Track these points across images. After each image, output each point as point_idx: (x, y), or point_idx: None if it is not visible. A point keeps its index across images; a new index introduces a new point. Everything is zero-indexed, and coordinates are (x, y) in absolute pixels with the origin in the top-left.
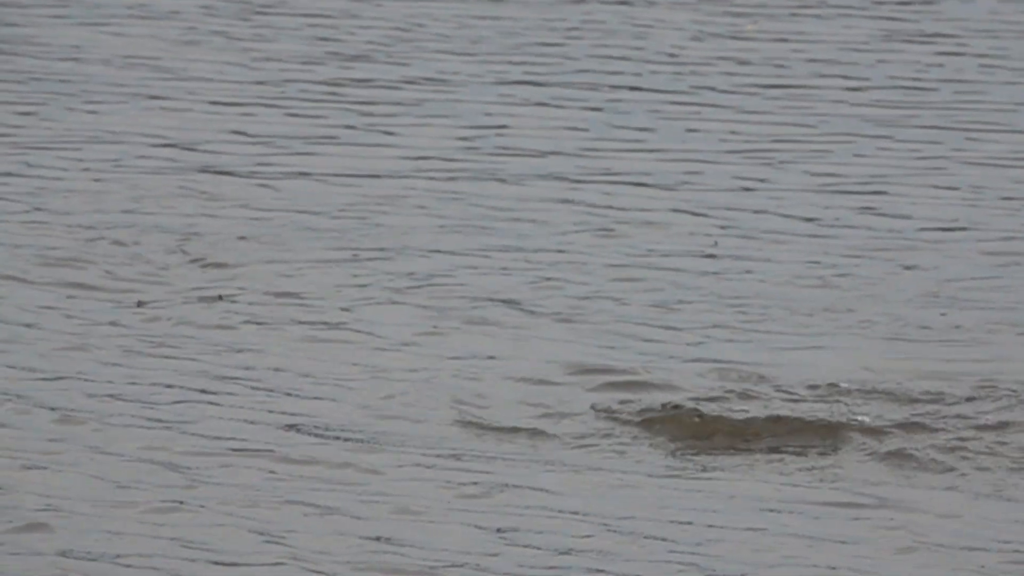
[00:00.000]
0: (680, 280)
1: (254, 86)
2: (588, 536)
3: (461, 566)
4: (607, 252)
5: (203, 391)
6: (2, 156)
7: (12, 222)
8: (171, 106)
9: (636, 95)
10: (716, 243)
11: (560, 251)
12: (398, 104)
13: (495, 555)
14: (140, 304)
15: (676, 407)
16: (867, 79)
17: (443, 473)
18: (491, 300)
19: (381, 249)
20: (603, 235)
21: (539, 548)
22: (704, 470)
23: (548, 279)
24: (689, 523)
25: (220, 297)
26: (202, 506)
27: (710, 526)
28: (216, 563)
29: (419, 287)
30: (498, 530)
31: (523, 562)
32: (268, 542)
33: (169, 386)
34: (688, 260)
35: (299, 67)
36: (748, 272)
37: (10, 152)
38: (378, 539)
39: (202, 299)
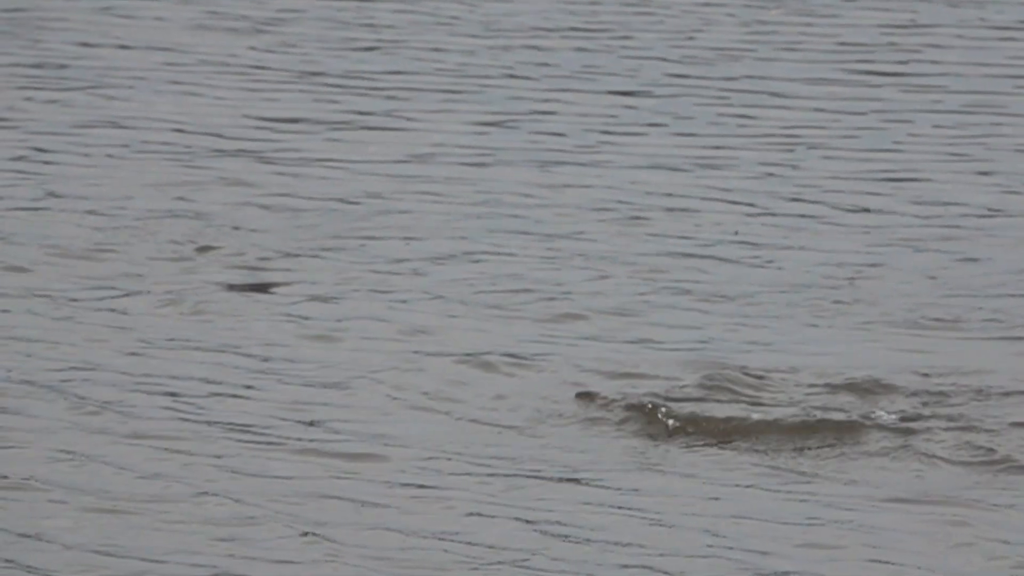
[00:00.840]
0: (703, 267)
1: (273, 71)
2: (631, 531)
3: (504, 563)
4: (630, 239)
5: (223, 382)
6: (14, 141)
7: (27, 210)
8: (188, 90)
9: (665, 80)
10: (737, 232)
11: (581, 237)
12: (420, 90)
13: (538, 551)
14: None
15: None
16: (901, 63)
17: (476, 467)
18: (513, 290)
19: (404, 238)
20: (627, 222)
21: (585, 542)
22: (727, 469)
23: (571, 267)
24: (736, 518)
25: (234, 286)
26: (237, 500)
27: (743, 518)
28: (254, 558)
29: (443, 276)
30: (538, 523)
31: (564, 556)
32: (306, 536)
33: (190, 378)
34: (713, 248)
35: (319, 51)
36: (770, 261)
37: (21, 137)
38: (418, 534)
39: (220, 288)
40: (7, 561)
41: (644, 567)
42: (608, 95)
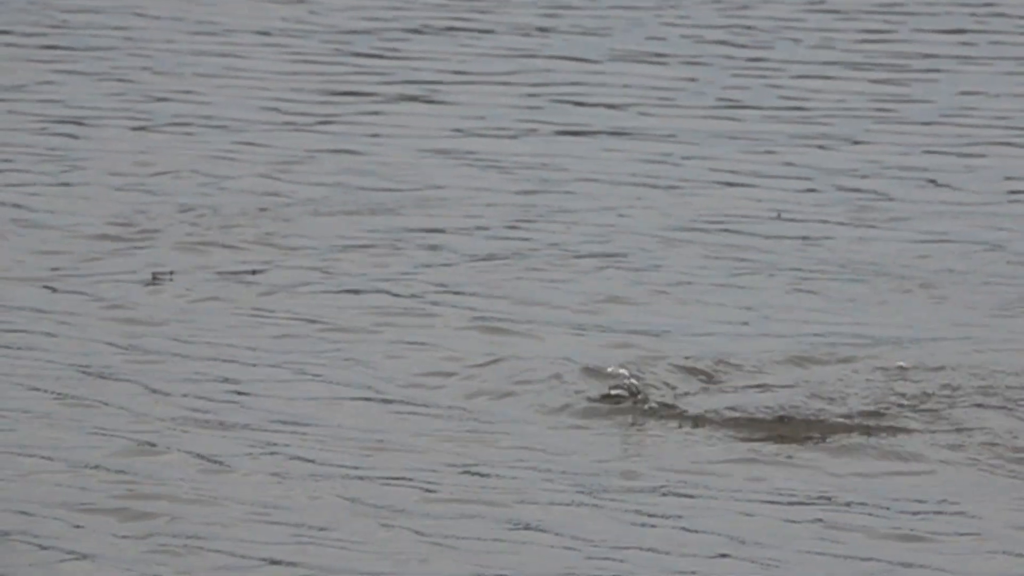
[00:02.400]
0: (742, 243)
1: (303, 52)
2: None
3: (598, 559)
4: (669, 213)
5: (242, 375)
6: (39, 116)
7: (46, 195)
8: (208, 72)
9: (716, 53)
10: (779, 215)
11: (614, 210)
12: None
13: (632, 547)
14: (255, 273)
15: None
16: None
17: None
18: (548, 267)
19: (438, 217)
20: (667, 194)
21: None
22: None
23: (605, 239)
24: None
25: (254, 272)
26: (314, 496)
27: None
28: (326, 545)
29: (467, 257)
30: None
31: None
32: (384, 525)
33: (212, 359)
34: (751, 225)
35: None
36: (806, 240)
37: (48, 112)
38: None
39: (238, 274)
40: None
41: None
42: (655, 66)
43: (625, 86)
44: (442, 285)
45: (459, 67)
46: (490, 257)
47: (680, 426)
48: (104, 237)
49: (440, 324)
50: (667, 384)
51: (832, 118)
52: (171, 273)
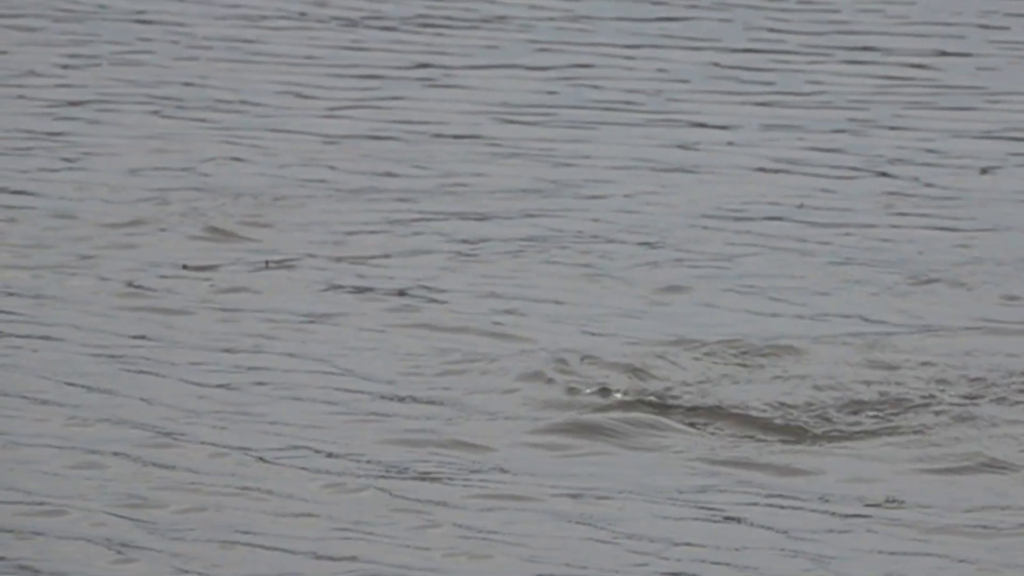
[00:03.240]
0: (771, 231)
1: (321, 36)
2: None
3: (648, 555)
4: (696, 200)
5: (268, 365)
6: (50, 102)
7: (63, 183)
8: (225, 56)
9: (747, 37)
10: (802, 204)
11: (639, 197)
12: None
13: (681, 543)
14: (267, 264)
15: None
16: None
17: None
18: (559, 262)
19: (460, 203)
20: (687, 182)
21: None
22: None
23: (629, 227)
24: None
25: (267, 264)
26: (371, 487)
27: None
28: (369, 539)
29: (486, 244)
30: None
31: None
32: (426, 519)
33: (226, 350)
34: (780, 211)
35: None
36: (829, 229)
37: (60, 97)
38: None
39: (257, 264)
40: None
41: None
42: (681, 51)
43: (658, 70)
44: (470, 277)
45: (482, 51)
46: (513, 244)
47: (707, 423)
48: (123, 225)
49: (467, 314)
50: (691, 376)
51: (867, 103)
52: (183, 266)
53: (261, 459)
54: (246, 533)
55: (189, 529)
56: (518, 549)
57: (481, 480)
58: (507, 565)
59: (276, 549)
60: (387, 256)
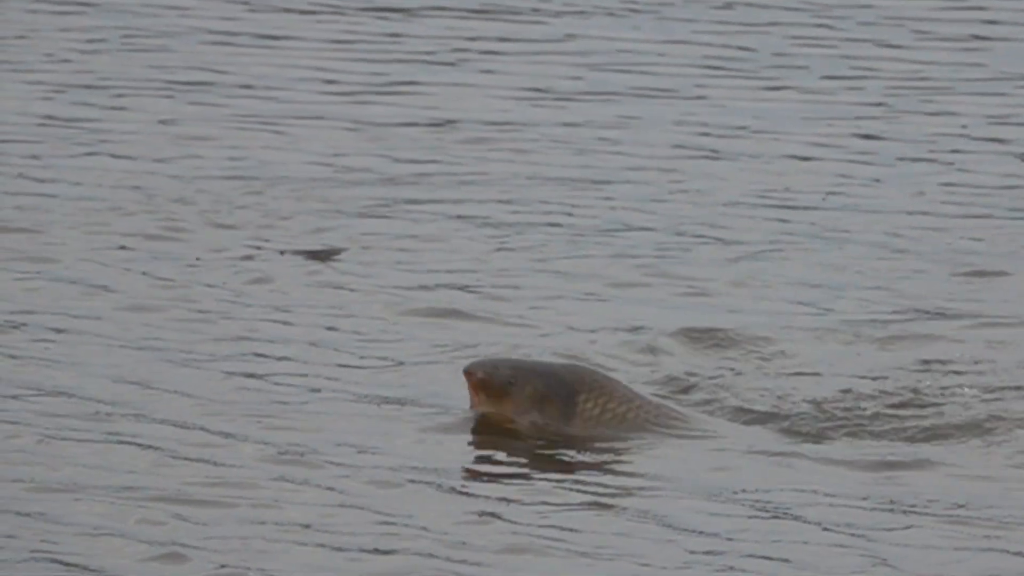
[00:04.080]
0: (801, 218)
1: (342, 22)
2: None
3: (707, 554)
4: (726, 187)
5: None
6: (71, 99)
7: (74, 168)
8: (243, 42)
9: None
10: (825, 198)
11: (665, 184)
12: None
13: (739, 539)
14: (282, 253)
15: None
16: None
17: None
18: (586, 256)
19: (489, 191)
20: (713, 174)
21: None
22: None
23: (656, 212)
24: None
25: (283, 253)
26: (396, 484)
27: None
28: (420, 535)
29: (522, 233)
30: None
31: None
32: (477, 516)
33: (241, 338)
34: (811, 198)
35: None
36: (868, 215)
37: (77, 93)
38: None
39: (274, 254)
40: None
41: None
42: (713, 35)
43: (684, 56)
44: (500, 268)
45: (509, 35)
46: (545, 232)
47: (748, 417)
48: (143, 213)
49: (504, 303)
50: (725, 366)
51: (904, 88)
52: (198, 258)
53: (304, 453)
54: (294, 527)
55: (231, 522)
56: (570, 545)
57: (535, 476)
58: (559, 561)
59: (324, 546)
60: (421, 247)
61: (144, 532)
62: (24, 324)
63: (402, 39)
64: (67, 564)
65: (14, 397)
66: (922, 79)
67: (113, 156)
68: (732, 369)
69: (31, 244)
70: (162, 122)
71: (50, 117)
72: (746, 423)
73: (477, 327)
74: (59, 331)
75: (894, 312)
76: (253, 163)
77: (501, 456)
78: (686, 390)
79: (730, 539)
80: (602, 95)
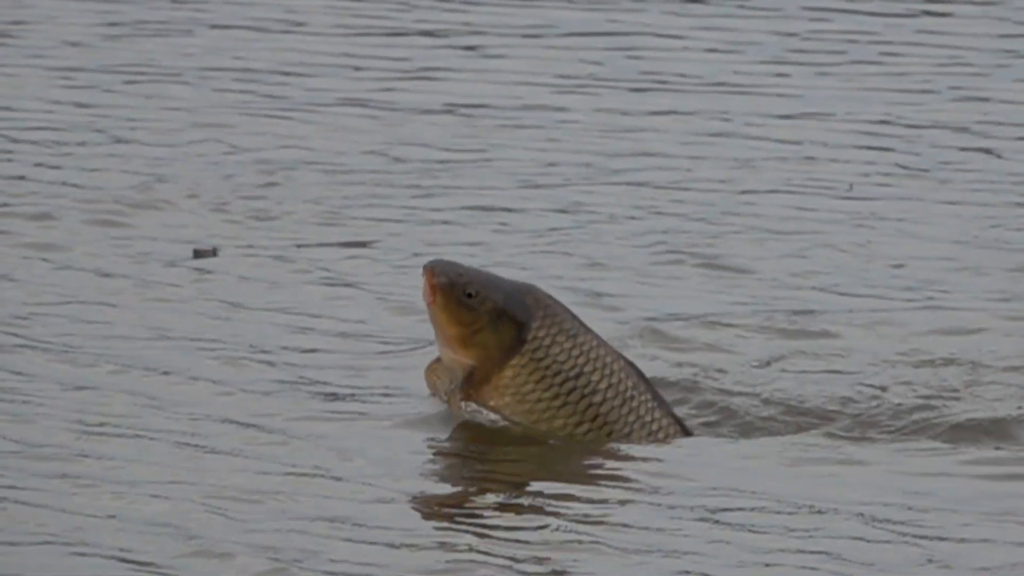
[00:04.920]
0: (817, 205)
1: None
2: None
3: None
4: (746, 177)
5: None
6: (92, 86)
7: (90, 155)
8: (263, 27)
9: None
10: (851, 187)
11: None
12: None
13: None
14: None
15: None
16: None
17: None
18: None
19: (499, 179)
20: (740, 166)
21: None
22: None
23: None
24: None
25: (298, 247)
26: (485, 479)
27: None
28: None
29: (531, 225)
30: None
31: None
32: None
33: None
34: (829, 186)
35: None
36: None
37: (92, 81)
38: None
39: (292, 247)
40: None
41: None
42: (734, 19)
43: (716, 41)
44: (518, 254)
45: (530, 21)
46: (558, 218)
47: (798, 428)
48: (154, 204)
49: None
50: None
51: (939, 73)
52: (214, 250)
53: (343, 448)
54: (343, 523)
55: (276, 518)
56: (632, 544)
57: (593, 474)
58: (618, 560)
59: (375, 543)
60: (446, 235)
61: (195, 527)
62: (43, 315)
63: (426, 24)
64: (113, 559)
65: (42, 393)
66: (960, 64)
67: (132, 143)
68: (758, 360)
69: (46, 232)
70: (181, 109)
71: (69, 104)
72: (784, 415)
73: None
74: (85, 322)
75: (930, 302)
76: (274, 151)
77: (536, 449)
78: (707, 378)
79: (793, 539)
80: (629, 81)
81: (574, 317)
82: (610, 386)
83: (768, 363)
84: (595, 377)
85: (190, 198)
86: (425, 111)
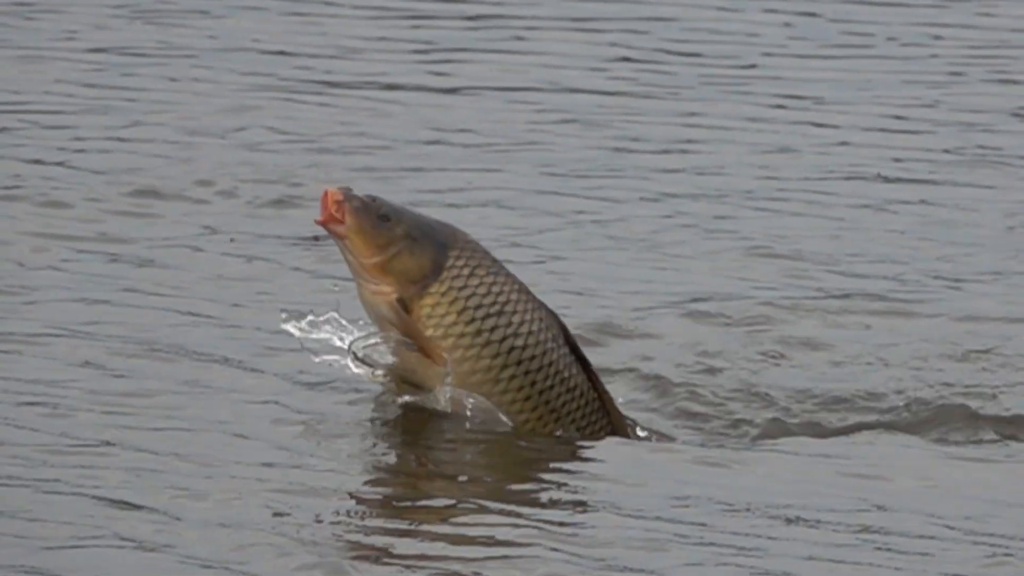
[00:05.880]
0: (848, 191)
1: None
2: None
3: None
4: (780, 166)
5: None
6: (108, 70)
7: (112, 138)
8: (285, 9)
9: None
10: (879, 174)
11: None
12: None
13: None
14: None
15: None
16: None
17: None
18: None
19: (515, 172)
20: (771, 151)
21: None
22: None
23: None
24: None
25: (317, 239)
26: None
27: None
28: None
29: (544, 217)
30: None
31: None
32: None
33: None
34: (861, 173)
35: None
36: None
37: (113, 65)
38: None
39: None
40: None
41: None
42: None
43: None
44: (527, 246)
45: (554, 12)
46: (567, 214)
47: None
48: (175, 195)
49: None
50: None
51: (969, 60)
52: (231, 239)
53: (395, 444)
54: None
55: (328, 512)
56: (696, 537)
57: (648, 472)
58: (685, 558)
59: (437, 539)
60: (489, 215)
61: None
62: (74, 300)
63: (462, 5)
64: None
65: (94, 391)
66: (995, 46)
67: (152, 125)
68: (786, 342)
69: (65, 217)
70: (205, 93)
71: (88, 86)
72: (837, 401)
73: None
74: (111, 304)
75: (977, 289)
76: (303, 134)
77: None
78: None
79: (835, 530)
80: (664, 62)
81: (495, 259)
82: (532, 332)
83: (801, 345)
84: (517, 319)
85: (204, 185)
86: (458, 91)
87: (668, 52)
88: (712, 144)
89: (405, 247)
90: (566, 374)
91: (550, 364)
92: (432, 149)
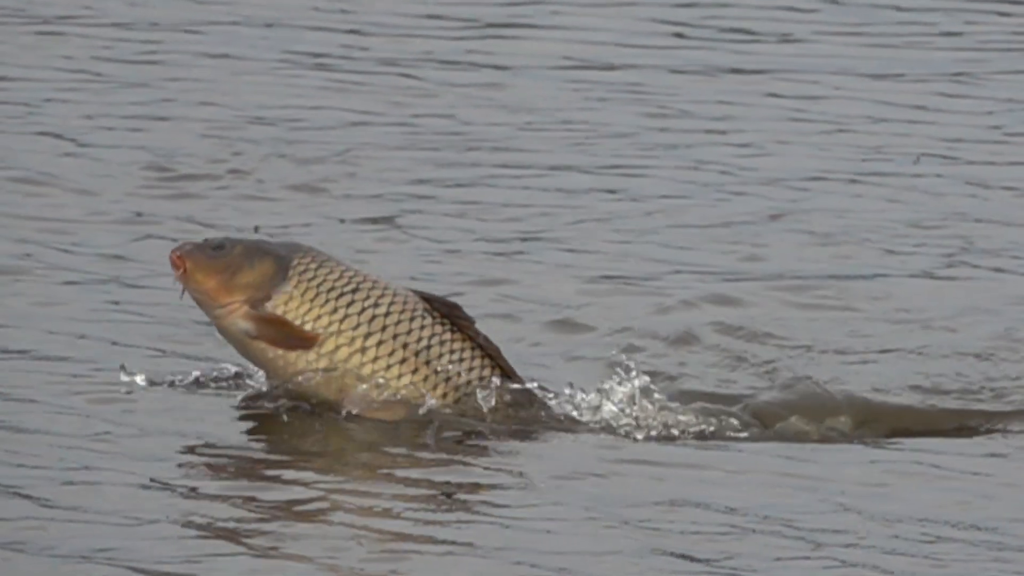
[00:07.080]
0: (877, 180)
1: None
2: None
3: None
4: (814, 154)
5: None
6: (131, 59)
7: (138, 116)
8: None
9: None
10: (919, 159)
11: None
12: None
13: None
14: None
15: None
16: None
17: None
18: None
19: (543, 152)
20: (814, 132)
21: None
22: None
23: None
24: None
25: (257, 228)
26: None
27: None
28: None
29: (572, 200)
30: None
31: None
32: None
33: None
34: (900, 165)
35: None
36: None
37: (149, 42)
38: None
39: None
40: None
41: None
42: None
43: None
44: (547, 236)
45: None
46: (596, 197)
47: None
48: (196, 178)
49: (546, 274)
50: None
51: (992, 47)
52: (256, 228)
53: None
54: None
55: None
56: (710, 550)
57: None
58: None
59: (464, 555)
60: (456, 212)
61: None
62: (103, 281)
63: None
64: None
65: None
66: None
67: (166, 103)
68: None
69: (79, 202)
70: (228, 71)
71: (97, 74)
72: (867, 389)
73: (546, 273)
74: (143, 288)
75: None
76: (332, 113)
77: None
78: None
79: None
80: (712, 40)
81: (341, 260)
82: (393, 302)
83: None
84: (376, 292)
85: (233, 172)
86: (469, 82)
87: (721, 28)
88: (734, 134)
89: (245, 262)
90: (439, 329)
91: (421, 328)
92: (475, 129)
